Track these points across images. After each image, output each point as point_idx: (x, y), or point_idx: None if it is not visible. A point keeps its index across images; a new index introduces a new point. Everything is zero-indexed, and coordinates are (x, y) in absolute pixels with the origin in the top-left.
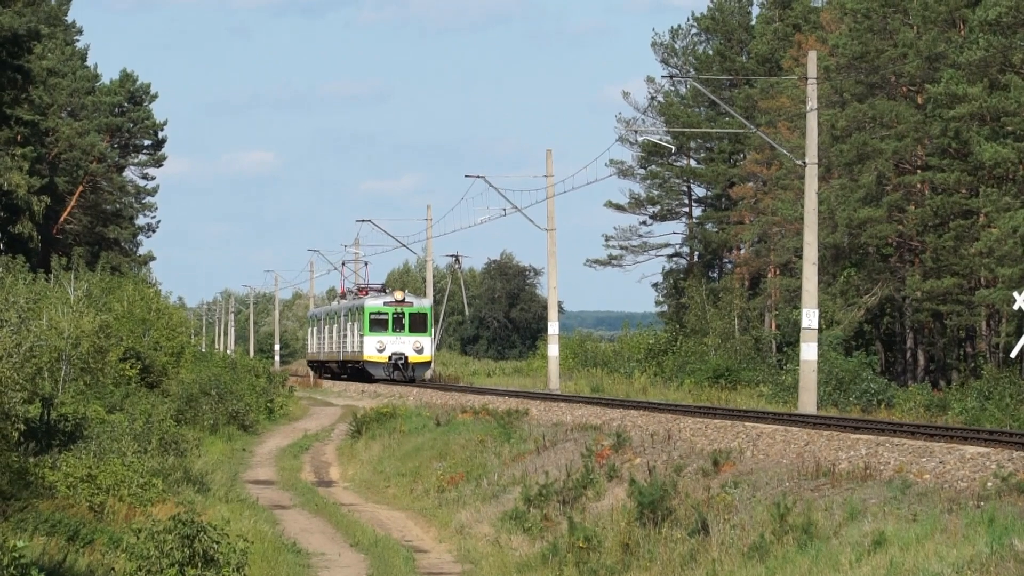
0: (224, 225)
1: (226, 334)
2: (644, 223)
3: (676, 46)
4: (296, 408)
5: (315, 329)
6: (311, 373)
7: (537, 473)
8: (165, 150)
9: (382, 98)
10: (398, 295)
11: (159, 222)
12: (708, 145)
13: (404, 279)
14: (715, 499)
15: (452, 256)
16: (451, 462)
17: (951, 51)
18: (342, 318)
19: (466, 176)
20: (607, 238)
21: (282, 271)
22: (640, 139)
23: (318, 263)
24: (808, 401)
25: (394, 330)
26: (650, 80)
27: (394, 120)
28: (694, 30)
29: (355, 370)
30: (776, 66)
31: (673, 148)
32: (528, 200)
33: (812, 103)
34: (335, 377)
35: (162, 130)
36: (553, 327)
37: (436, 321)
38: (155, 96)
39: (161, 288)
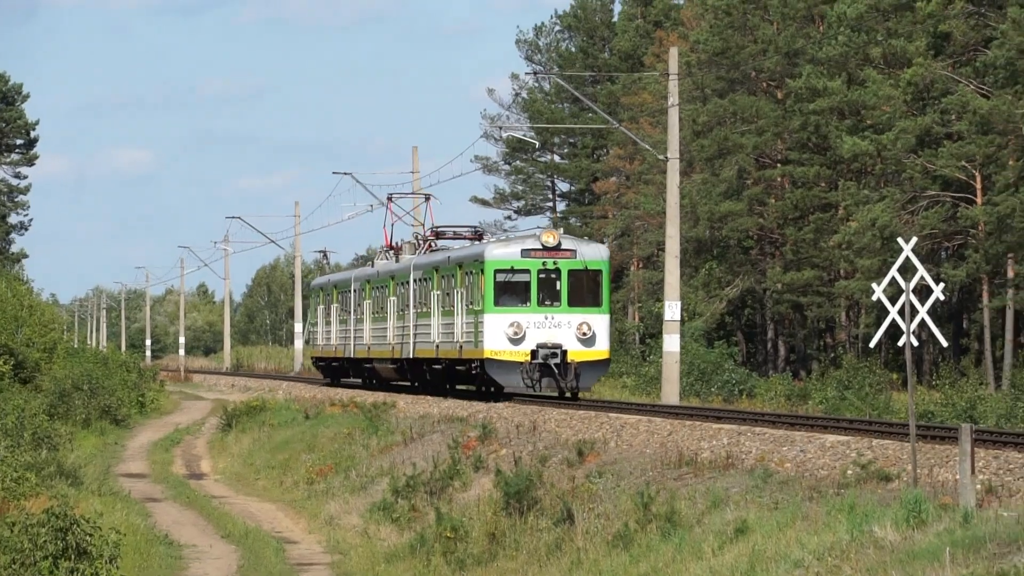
0: (97, 223)
1: (98, 330)
2: (509, 218)
3: (540, 43)
4: (167, 402)
5: (336, 307)
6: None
7: (405, 465)
8: (38, 149)
9: (257, 97)
10: (548, 237)
11: (31, 220)
12: (572, 141)
13: (272, 276)
14: (580, 489)
15: (320, 252)
16: (320, 454)
17: (810, 47)
18: (412, 284)
19: (334, 173)
20: None
21: (153, 268)
22: (505, 135)
23: (188, 260)
24: (671, 392)
25: (542, 302)
26: (515, 77)
27: (268, 119)
28: (557, 27)
29: (453, 374)
30: (638, 63)
31: (537, 144)
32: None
33: (673, 99)
34: (384, 388)
35: (34, 129)
36: None
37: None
38: (27, 96)
39: (34, 286)
